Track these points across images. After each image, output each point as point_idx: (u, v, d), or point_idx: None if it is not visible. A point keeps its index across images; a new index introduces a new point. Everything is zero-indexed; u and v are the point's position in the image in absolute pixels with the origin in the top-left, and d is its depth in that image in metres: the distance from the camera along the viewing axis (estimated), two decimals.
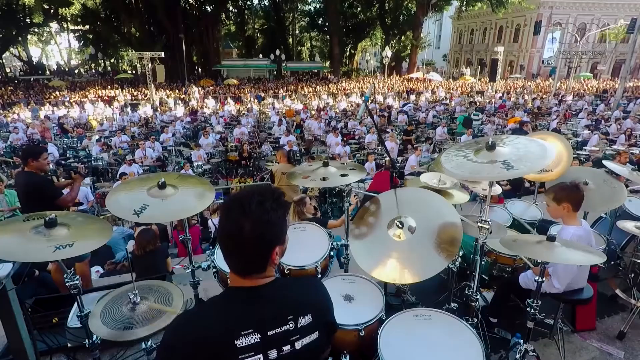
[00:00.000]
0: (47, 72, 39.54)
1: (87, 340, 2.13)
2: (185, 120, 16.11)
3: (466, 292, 2.63)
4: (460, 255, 2.78)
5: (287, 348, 1.05)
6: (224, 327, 1.01)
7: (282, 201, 1.08)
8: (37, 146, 4.24)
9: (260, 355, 1.01)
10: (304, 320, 1.08)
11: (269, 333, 1.02)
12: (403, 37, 39.83)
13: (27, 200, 3.59)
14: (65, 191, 3.74)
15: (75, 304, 2.08)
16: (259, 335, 1.01)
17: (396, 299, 3.02)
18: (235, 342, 0.99)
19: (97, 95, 24.57)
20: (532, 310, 2.19)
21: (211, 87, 28.80)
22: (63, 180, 5.65)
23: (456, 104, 19.82)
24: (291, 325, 1.06)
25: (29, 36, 38.39)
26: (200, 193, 2.32)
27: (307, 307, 1.10)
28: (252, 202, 1.02)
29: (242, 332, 1.00)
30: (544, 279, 2.15)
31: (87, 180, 8.33)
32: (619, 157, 7.91)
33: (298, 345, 1.06)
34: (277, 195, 1.08)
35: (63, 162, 10.42)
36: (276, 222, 1.04)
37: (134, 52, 28.73)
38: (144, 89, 25.80)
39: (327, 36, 41.78)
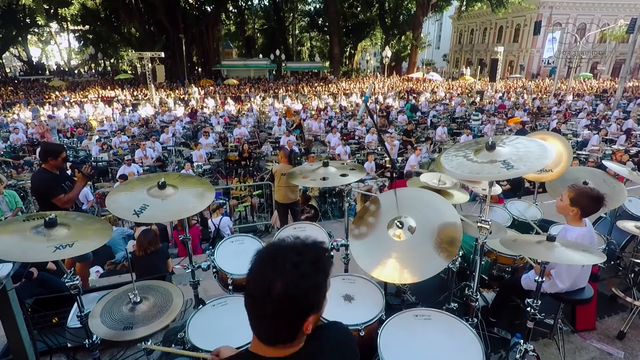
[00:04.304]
0: (47, 72, 39.53)
1: (87, 340, 2.13)
2: (185, 120, 16.10)
3: (466, 292, 2.63)
4: (460, 255, 2.77)
5: None
6: None
7: (323, 266, 0.93)
8: (58, 144, 4.23)
9: None
10: None
11: None
12: (403, 37, 39.81)
13: (34, 196, 3.61)
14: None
15: (75, 304, 2.08)
16: None
17: (396, 299, 3.02)
18: None
19: (97, 96, 24.56)
20: (532, 310, 2.19)
21: (211, 87, 28.77)
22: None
23: (456, 104, 19.81)
24: None
25: (29, 36, 38.36)
26: (200, 193, 2.33)
27: None
28: (286, 261, 0.88)
29: None
30: (544, 278, 2.15)
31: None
32: (615, 156, 7.97)
33: None
34: (318, 259, 0.92)
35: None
36: (311, 289, 0.89)
37: (134, 52, 28.72)
38: (144, 89, 25.79)
39: (327, 36, 41.73)
